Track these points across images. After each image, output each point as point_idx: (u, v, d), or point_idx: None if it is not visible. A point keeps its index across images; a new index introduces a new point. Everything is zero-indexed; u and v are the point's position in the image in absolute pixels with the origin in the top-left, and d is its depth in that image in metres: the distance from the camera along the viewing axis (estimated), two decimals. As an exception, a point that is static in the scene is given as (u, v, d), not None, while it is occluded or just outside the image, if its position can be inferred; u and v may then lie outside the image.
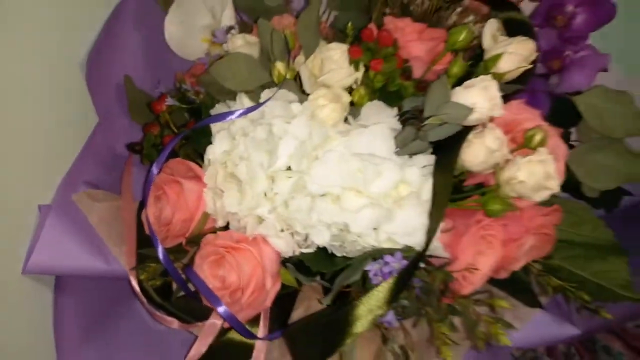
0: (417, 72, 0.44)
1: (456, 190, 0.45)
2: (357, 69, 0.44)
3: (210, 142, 0.45)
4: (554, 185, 0.39)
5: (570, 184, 0.52)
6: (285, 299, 0.47)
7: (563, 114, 0.49)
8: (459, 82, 0.42)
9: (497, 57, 0.41)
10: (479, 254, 0.44)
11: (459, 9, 0.48)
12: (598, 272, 0.51)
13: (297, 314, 0.47)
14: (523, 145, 0.40)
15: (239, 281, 0.41)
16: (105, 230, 0.47)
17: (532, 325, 0.54)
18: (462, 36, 0.40)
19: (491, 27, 0.43)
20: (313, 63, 0.46)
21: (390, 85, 0.43)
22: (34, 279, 0.47)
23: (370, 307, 0.39)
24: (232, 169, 0.43)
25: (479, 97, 0.38)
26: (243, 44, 0.48)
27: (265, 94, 0.45)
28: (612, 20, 0.48)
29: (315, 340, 0.40)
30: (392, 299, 0.38)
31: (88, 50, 0.51)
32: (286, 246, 0.43)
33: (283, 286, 0.46)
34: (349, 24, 0.49)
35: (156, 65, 0.56)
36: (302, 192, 0.41)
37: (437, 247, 0.44)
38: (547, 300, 0.55)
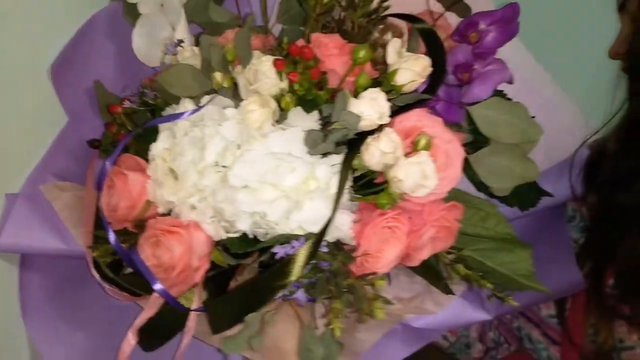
0: (334, 82, 0.51)
1: (368, 186, 0.52)
2: (281, 79, 0.51)
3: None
4: (431, 184, 0.46)
5: (482, 185, 0.58)
6: (223, 276, 0.55)
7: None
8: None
9: (394, 72, 0.47)
10: (384, 243, 0.50)
11: (381, 26, 0.55)
12: (504, 263, 0.57)
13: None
14: (412, 148, 0.46)
15: (171, 260, 0.49)
16: (68, 216, 0.55)
17: (448, 310, 0.60)
18: (362, 54, 0.47)
19: (394, 45, 0.49)
20: (248, 73, 0.53)
21: (307, 95, 0.50)
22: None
23: (280, 277, 0.46)
24: (171, 164, 0.50)
25: (367, 107, 0.44)
26: (190, 55, 0.55)
27: (204, 100, 0.52)
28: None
29: (228, 309, 0.47)
30: (298, 271, 0.45)
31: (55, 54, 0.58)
32: (215, 231, 0.50)
33: (217, 265, 0.53)
34: (285, 39, 0.56)
35: (127, 72, 0.64)
36: (226, 185, 0.48)
37: (348, 235, 0.50)
38: (464, 288, 0.61)
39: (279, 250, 0.47)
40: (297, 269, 0.45)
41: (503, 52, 0.66)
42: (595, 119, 0.67)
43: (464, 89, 0.55)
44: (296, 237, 0.47)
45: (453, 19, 0.61)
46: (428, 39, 0.54)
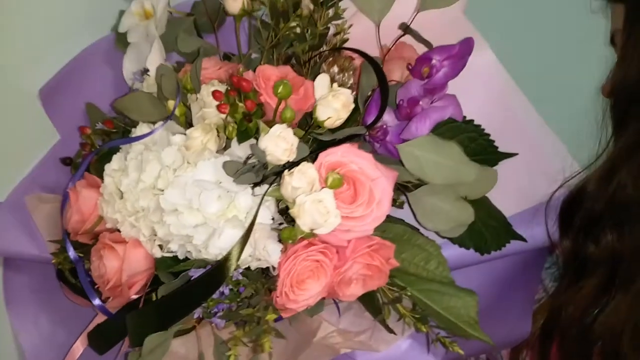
0: (269, 114, 0.52)
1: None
2: (225, 109, 0.53)
3: (115, 161, 0.57)
4: (334, 222, 0.45)
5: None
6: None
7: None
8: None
9: (315, 108, 0.47)
10: (308, 275, 0.50)
11: (329, 59, 0.55)
12: (449, 307, 0.55)
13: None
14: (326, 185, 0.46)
15: (106, 274, 0.52)
16: (44, 225, 0.61)
17: (394, 349, 0.58)
18: (280, 89, 0.48)
19: (321, 81, 0.49)
20: (197, 102, 0.56)
21: (240, 126, 0.51)
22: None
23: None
24: (117, 184, 0.54)
25: (271, 143, 0.45)
26: (153, 83, 0.59)
27: (157, 126, 0.56)
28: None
29: (146, 321, 0.49)
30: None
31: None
32: (152, 249, 0.53)
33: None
34: (240, 69, 0.58)
35: (119, 95, 0.69)
36: (159, 208, 0.51)
37: (275, 264, 0.51)
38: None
39: (194, 273, 0.49)
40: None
41: (495, 91, 0.64)
42: (584, 160, 0.61)
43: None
44: (214, 262, 0.49)
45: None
46: (377, 73, 0.54)
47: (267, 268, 0.52)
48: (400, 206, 0.55)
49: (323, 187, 0.47)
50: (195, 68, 0.55)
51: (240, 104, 0.51)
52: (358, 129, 0.51)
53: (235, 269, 0.48)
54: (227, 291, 0.50)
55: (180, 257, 0.52)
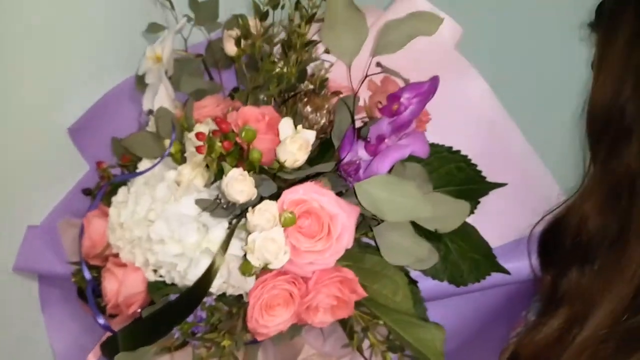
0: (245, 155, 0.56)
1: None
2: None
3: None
4: (283, 259, 0.48)
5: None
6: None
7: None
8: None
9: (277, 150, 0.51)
10: (277, 303, 0.54)
11: (305, 99, 0.58)
12: (418, 339, 0.56)
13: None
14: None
15: (108, 295, 0.59)
16: (70, 247, 0.70)
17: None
18: (244, 133, 0.52)
19: (285, 124, 0.53)
20: (189, 139, 0.61)
21: (217, 165, 0.56)
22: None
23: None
24: (120, 214, 0.61)
25: (228, 185, 0.49)
26: (156, 122, 0.66)
27: (155, 162, 0.62)
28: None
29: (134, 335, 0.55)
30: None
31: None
32: (148, 274, 0.60)
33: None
34: (230, 108, 0.63)
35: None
36: (150, 238, 0.57)
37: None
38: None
39: (172, 297, 0.54)
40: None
41: (486, 119, 0.65)
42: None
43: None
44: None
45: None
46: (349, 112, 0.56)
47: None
48: (373, 238, 0.57)
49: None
50: (188, 108, 0.61)
51: (219, 144, 0.56)
52: (324, 167, 0.54)
53: (208, 295, 0.53)
54: (204, 315, 0.55)
55: (168, 282, 0.58)
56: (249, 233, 0.55)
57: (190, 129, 0.61)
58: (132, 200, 0.60)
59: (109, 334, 0.66)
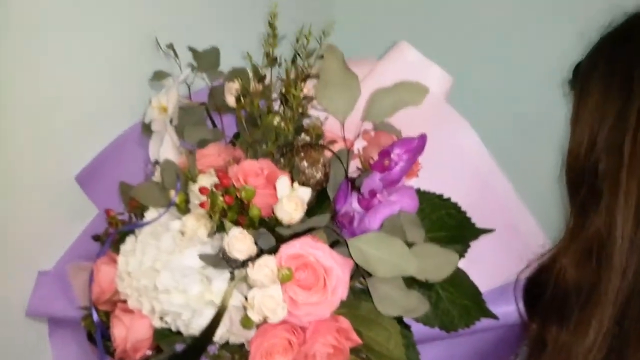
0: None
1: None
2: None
3: (132, 241, 0.68)
4: (281, 314, 0.51)
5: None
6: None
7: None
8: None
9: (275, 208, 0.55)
10: (277, 351, 0.57)
11: (301, 153, 0.62)
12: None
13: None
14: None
15: (116, 340, 0.63)
16: (80, 291, 0.73)
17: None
18: (243, 193, 0.55)
19: (282, 182, 0.56)
20: (193, 192, 0.64)
21: (217, 220, 0.59)
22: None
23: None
24: (128, 263, 0.65)
25: (229, 243, 0.53)
26: (161, 173, 0.69)
27: (160, 212, 0.65)
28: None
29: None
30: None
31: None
32: (154, 321, 0.63)
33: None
34: (231, 160, 0.66)
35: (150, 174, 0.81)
36: (156, 287, 0.61)
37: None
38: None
39: (178, 347, 0.57)
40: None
41: (476, 169, 0.68)
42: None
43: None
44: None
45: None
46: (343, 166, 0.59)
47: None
48: (366, 286, 0.60)
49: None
50: (191, 160, 0.65)
51: (221, 199, 0.59)
52: (319, 221, 0.57)
53: (211, 344, 0.56)
54: (208, 362, 0.58)
55: (174, 330, 0.61)
56: (249, 284, 0.58)
57: (194, 180, 0.65)
58: (140, 250, 0.63)
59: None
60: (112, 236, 0.69)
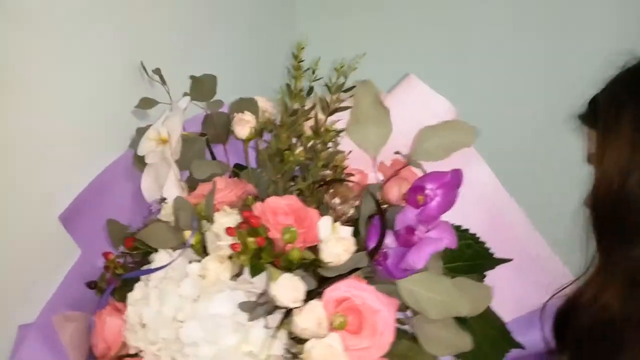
0: (278, 249, 0.56)
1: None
2: (238, 241, 0.57)
3: (139, 288, 0.61)
4: None
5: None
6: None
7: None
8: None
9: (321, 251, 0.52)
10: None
11: (330, 191, 0.60)
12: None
13: None
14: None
15: (131, 400, 0.57)
16: (71, 345, 0.65)
17: None
18: (287, 236, 0.53)
19: (324, 223, 0.54)
20: (212, 232, 0.60)
21: (252, 262, 0.55)
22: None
23: None
24: (141, 314, 0.59)
25: (281, 290, 0.50)
26: (170, 212, 0.64)
27: (175, 254, 0.60)
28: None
29: None
30: None
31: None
32: (174, 376, 0.57)
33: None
34: (250, 197, 0.63)
35: (139, 210, 0.74)
36: (179, 339, 0.55)
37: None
38: None
39: (213, 405, 0.53)
40: None
41: (492, 202, 0.68)
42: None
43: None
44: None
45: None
46: (376, 204, 0.58)
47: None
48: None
49: (330, 324, 0.51)
50: (208, 200, 0.60)
51: (251, 240, 0.55)
52: (360, 261, 0.55)
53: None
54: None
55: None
56: (289, 332, 0.55)
57: (209, 219, 0.60)
58: (155, 298, 0.58)
59: None
60: (113, 284, 0.62)
